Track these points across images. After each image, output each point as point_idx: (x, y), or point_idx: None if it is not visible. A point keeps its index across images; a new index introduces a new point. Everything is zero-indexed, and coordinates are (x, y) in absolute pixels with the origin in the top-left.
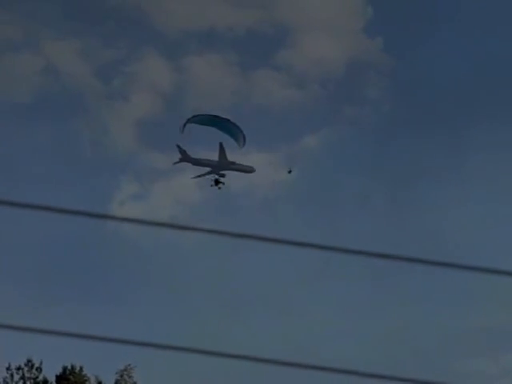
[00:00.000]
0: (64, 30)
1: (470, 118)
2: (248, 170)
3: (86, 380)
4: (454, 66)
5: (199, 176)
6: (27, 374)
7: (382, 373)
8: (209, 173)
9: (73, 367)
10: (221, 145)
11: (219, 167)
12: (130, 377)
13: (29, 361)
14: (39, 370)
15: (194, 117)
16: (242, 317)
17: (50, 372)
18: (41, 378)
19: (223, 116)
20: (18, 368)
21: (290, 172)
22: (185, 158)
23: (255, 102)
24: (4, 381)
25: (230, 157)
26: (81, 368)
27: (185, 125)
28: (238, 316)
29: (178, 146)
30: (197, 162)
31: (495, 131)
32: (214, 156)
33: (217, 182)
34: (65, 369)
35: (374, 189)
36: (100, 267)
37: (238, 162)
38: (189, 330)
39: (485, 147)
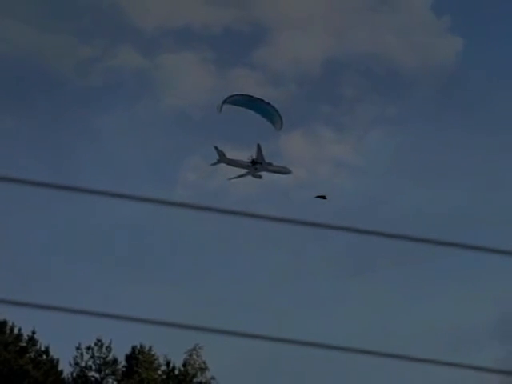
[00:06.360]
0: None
1: None
2: (285, 171)
3: (154, 359)
4: None
5: (237, 177)
6: (97, 354)
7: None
8: (245, 174)
9: (142, 347)
10: (258, 146)
11: (256, 168)
12: (198, 356)
13: (98, 340)
14: (109, 349)
15: (229, 97)
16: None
17: (120, 351)
18: (110, 357)
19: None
20: (88, 348)
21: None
22: (222, 159)
23: None
24: (74, 360)
25: (266, 138)
26: (150, 348)
27: (222, 105)
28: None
29: (216, 148)
30: (233, 163)
31: None
32: None
33: (253, 163)
34: (134, 348)
35: None
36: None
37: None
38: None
39: None
